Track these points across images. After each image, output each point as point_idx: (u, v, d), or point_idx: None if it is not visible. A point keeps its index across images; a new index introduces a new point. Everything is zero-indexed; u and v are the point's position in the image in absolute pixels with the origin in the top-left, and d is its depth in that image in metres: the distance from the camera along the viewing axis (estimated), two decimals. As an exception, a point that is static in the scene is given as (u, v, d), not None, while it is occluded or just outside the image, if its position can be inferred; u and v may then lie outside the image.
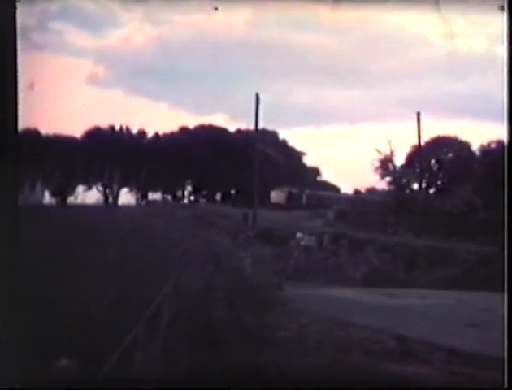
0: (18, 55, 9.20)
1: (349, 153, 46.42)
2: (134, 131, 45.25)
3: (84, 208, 34.11)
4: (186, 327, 10.28)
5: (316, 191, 52.20)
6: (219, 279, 13.75)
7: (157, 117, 44.55)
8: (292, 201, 50.00)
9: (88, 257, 12.95)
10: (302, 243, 26.70)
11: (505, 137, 9.70)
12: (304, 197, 51.85)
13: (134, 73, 44.58)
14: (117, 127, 44.34)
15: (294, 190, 52.21)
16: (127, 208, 38.58)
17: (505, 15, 9.55)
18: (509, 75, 9.50)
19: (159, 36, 43.35)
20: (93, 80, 51.48)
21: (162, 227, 20.79)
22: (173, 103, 61.00)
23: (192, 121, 47.97)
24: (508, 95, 9.59)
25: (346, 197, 47.25)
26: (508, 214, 9.50)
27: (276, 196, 51.00)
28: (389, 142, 36.69)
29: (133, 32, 49.71)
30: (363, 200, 43.04)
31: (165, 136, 45.30)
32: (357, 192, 45.60)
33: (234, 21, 42.58)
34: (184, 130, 45.83)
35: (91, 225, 18.72)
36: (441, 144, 40.94)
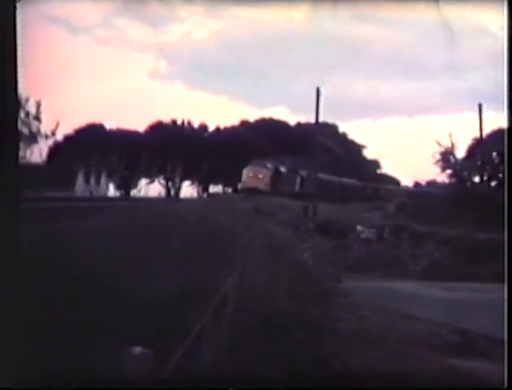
0: (18, 55, 9.21)
1: (409, 146, 45.53)
2: (196, 125, 45.57)
3: (147, 201, 34.61)
4: (250, 317, 10.48)
5: (314, 173, 40.86)
6: (281, 271, 13.92)
7: (218, 111, 44.85)
8: (277, 185, 39.04)
9: (152, 249, 13.22)
10: (362, 235, 26.66)
11: (505, 135, 9.63)
12: (298, 180, 42.42)
13: (195, 67, 45.03)
14: (179, 122, 44.72)
15: (283, 168, 41.09)
16: (188, 201, 38.99)
17: (505, 13, 9.44)
18: (509, 73, 9.39)
19: (220, 30, 43.72)
20: (155, 75, 52.09)
21: (224, 219, 21.01)
22: (234, 97, 61.34)
23: (252, 114, 48.17)
24: (508, 90, 9.47)
25: (356, 186, 44.63)
26: (508, 214, 9.45)
27: (253, 176, 39.15)
28: (450, 134, 36.39)
29: (194, 26, 50.19)
30: (411, 192, 42.03)
31: (226, 129, 45.49)
32: (417, 184, 45.06)
33: (294, 15, 42.69)
34: (244, 123, 45.91)
35: (154, 217, 19.05)
36: (503, 136, 40.15)
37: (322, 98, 35.89)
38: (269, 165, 39.72)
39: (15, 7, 9.22)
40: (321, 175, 40.99)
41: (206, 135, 45.56)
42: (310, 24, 42.21)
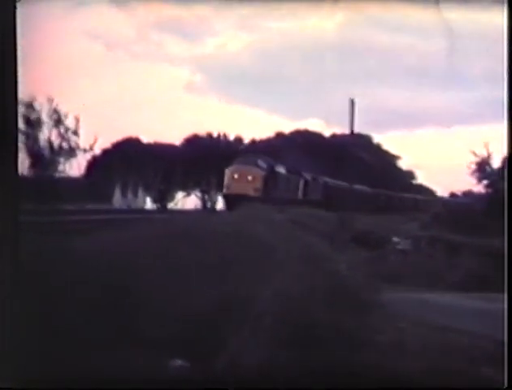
0: (18, 56, 9.21)
1: (444, 157, 45.26)
2: (231, 137, 45.79)
3: (184, 213, 34.69)
4: (287, 329, 10.54)
5: (320, 176, 36.90)
6: (318, 282, 13.95)
7: (253, 123, 44.94)
8: (272, 190, 31.06)
9: (189, 261, 13.32)
10: (399, 247, 26.59)
11: (505, 139, 9.62)
12: (301, 184, 35.40)
13: (230, 80, 45.18)
14: (215, 134, 44.97)
15: (281, 168, 33.40)
16: (225, 213, 39.01)
17: (505, 15, 9.38)
18: (509, 75, 9.32)
19: (254, 42, 43.94)
20: (190, 88, 52.38)
21: (260, 231, 21.07)
22: (268, 109, 61.47)
23: (287, 126, 48.17)
24: (508, 96, 9.41)
25: (368, 193, 42.88)
26: (508, 214, 9.43)
27: (240, 177, 30.75)
28: (486, 145, 36.16)
29: (228, 39, 50.41)
30: (449, 202, 41.41)
31: (261, 141, 45.64)
32: (453, 195, 44.78)
33: (327, 25, 42.75)
34: (280, 135, 46.01)
35: (191, 229, 19.18)
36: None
37: (356, 110, 35.92)
38: (261, 162, 31.50)
39: (15, 7, 9.32)
40: (328, 180, 36.80)
41: (241, 147, 45.74)
42: (343, 35, 42.21)
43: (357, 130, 37.40)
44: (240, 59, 46.21)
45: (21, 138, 29.80)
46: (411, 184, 51.61)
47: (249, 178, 30.17)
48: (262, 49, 44.44)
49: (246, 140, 46.07)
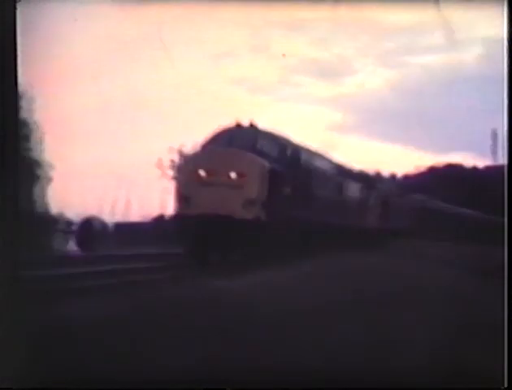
0: (17, 56, 9.14)
1: None
2: (371, 173, 45.74)
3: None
4: (439, 368, 10.18)
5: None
6: (469, 320, 13.47)
7: (394, 159, 44.56)
8: (285, 205, 16.75)
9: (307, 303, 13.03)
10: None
11: (505, 145, 9.37)
12: (372, 199, 22.55)
13: (370, 117, 45.19)
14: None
15: (318, 159, 19.88)
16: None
17: (505, 16, 9.11)
18: (509, 79, 8.94)
19: (393, 78, 43.74)
20: (332, 127, 52.76)
21: (410, 269, 20.67)
22: (410, 144, 60.85)
23: (429, 161, 47.45)
24: (508, 99, 9.04)
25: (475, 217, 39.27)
26: (508, 215, 9.16)
27: (209, 176, 16.60)
28: None
29: (368, 76, 50.53)
30: None
31: (402, 176, 45.07)
32: None
33: (466, 57, 42.01)
34: (420, 170, 45.40)
35: (335, 269, 19.07)
36: None
37: (501, 140, 34.91)
38: (264, 144, 17.31)
39: (15, 7, 9.21)
40: (424, 198, 26.73)
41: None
42: (481, 65, 41.38)
43: (501, 162, 36.34)
44: (381, 95, 46.16)
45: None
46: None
47: (232, 175, 16.56)
48: (402, 85, 44.16)
49: (386, 175, 45.99)
